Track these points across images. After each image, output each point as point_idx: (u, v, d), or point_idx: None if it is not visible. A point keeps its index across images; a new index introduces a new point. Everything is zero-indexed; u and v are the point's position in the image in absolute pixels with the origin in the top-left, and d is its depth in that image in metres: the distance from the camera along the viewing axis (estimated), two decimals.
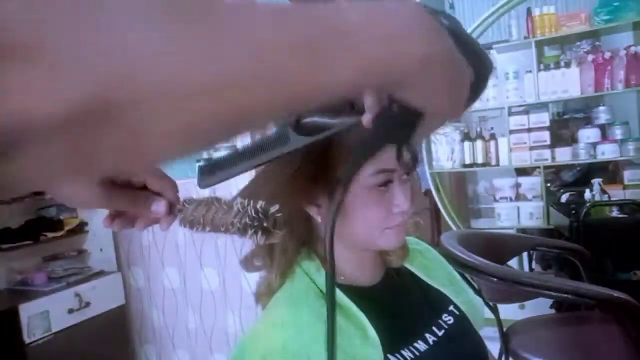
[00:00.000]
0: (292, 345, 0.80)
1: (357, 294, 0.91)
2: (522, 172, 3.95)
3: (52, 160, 0.25)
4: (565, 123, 4.68)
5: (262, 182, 0.88)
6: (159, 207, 0.62)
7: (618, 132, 3.47)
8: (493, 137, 3.82)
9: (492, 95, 3.75)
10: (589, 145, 3.50)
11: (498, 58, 3.91)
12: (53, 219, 3.31)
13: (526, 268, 3.75)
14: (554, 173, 4.17)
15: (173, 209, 0.63)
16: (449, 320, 0.98)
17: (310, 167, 0.84)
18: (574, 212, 3.08)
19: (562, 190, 3.72)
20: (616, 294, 1.54)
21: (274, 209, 0.59)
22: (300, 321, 0.84)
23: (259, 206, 0.58)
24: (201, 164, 0.67)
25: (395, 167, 0.86)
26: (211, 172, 0.67)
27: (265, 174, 0.88)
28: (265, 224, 0.58)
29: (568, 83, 3.50)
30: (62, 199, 0.60)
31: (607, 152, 3.46)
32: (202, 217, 0.60)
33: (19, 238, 3.05)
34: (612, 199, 3.30)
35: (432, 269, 1.07)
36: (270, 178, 0.87)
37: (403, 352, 0.87)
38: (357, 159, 0.51)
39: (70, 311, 2.98)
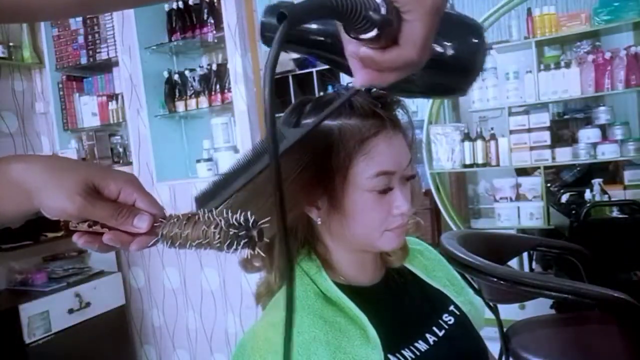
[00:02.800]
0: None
1: (357, 293, 0.91)
2: (522, 172, 3.95)
3: None
4: (565, 123, 4.69)
5: (262, 185, 0.88)
6: (142, 221, 0.58)
7: (618, 132, 3.47)
8: (493, 137, 3.81)
9: (492, 95, 3.75)
10: (589, 145, 3.50)
11: (498, 58, 3.90)
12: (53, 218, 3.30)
13: (526, 268, 3.76)
14: (554, 173, 4.17)
15: (153, 229, 0.59)
16: (449, 320, 0.98)
17: (311, 170, 0.84)
18: (574, 212, 3.08)
19: (562, 190, 3.72)
20: (616, 294, 1.54)
21: (263, 221, 0.55)
22: (300, 321, 0.84)
23: (242, 217, 0.54)
24: (197, 194, 0.62)
25: (395, 169, 0.86)
26: (211, 196, 0.62)
27: (267, 177, 0.88)
28: (251, 234, 0.54)
29: (568, 83, 3.50)
30: (45, 209, 0.57)
31: (607, 152, 3.45)
32: (182, 232, 0.56)
33: (18, 238, 3.04)
34: (612, 199, 3.30)
35: (432, 268, 1.07)
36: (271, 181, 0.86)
37: (403, 351, 0.87)
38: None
39: (70, 311, 2.98)
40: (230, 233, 0.53)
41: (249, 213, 0.54)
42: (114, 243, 0.58)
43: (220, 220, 0.54)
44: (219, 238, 0.54)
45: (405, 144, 0.89)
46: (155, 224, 0.58)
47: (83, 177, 0.57)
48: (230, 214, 0.54)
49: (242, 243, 0.54)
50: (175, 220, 0.57)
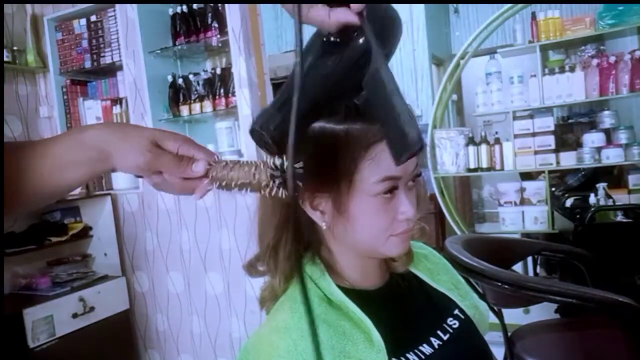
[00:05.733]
0: (296, 350, 0.80)
1: (362, 297, 0.90)
2: (526, 176, 3.95)
3: None
4: (570, 127, 4.70)
5: None
6: (198, 166, 0.71)
7: (622, 136, 3.46)
8: (497, 141, 3.81)
9: (497, 100, 3.75)
10: (594, 149, 3.50)
11: (502, 62, 3.91)
12: (57, 223, 3.31)
13: (530, 272, 3.75)
14: (558, 177, 4.17)
15: (207, 174, 0.72)
16: (454, 324, 0.97)
17: (317, 174, 0.84)
18: (578, 216, 3.07)
19: (566, 195, 3.71)
20: (621, 298, 1.53)
21: (298, 165, 0.65)
22: (304, 326, 0.83)
23: (279, 161, 0.66)
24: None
25: (401, 174, 0.86)
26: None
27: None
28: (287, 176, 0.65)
29: (572, 87, 3.50)
30: (120, 167, 0.69)
31: (612, 156, 3.45)
32: (229, 173, 0.70)
33: (23, 242, 3.05)
34: (617, 203, 3.29)
35: (437, 272, 1.07)
36: None
37: (408, 355, 0.87)
38: None
39: (75, 315, 2.98)
40: (269, 174, 0.66)
41: (284, 157, 0.66)
42: (180, 191, 0.73)
43: (260, 163, 0.67)
44: (258, 178, 0.67)
45: None
46: (208, 169, 0.72)
47: (148, 136, 0.70)
48: (268, 159, 0.67)
49: (277, 183, 0.66)
50: (224, 164, 0.71)
